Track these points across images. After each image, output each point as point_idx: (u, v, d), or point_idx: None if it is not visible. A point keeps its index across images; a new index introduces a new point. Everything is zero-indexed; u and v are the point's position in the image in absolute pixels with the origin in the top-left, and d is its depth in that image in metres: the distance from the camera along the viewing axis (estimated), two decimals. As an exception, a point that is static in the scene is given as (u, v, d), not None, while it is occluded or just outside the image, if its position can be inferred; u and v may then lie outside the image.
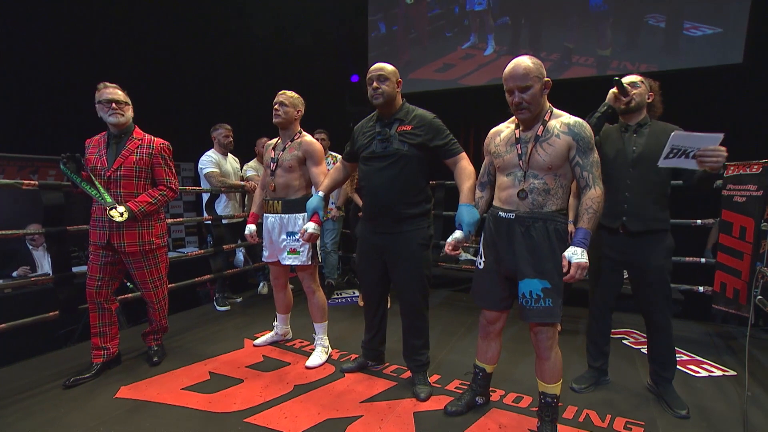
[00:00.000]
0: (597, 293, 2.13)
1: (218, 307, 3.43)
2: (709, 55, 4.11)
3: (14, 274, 3.77)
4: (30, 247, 4.03)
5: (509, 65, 1.60)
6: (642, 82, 1.97)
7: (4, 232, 2.35)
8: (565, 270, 1.53)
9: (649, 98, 1.98)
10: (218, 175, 3.40)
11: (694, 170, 1.74)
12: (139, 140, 2.21)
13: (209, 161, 3.40)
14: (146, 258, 2.26)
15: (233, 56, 5.68)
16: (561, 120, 1.61)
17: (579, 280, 1.54)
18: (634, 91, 1.94)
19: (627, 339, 2.85)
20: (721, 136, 1.59)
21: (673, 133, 1.65)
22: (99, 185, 2.09)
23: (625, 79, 1.96)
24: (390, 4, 5.75)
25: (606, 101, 1.97)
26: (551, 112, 1.65)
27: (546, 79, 1.59)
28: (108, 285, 2.24)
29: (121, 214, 2.04)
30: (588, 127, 1.61)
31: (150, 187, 2.25)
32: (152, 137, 2.27)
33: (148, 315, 2.45)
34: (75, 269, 2.62)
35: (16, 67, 4.52)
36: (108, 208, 2.03)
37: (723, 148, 1.60)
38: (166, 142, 2.30)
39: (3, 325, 2.22)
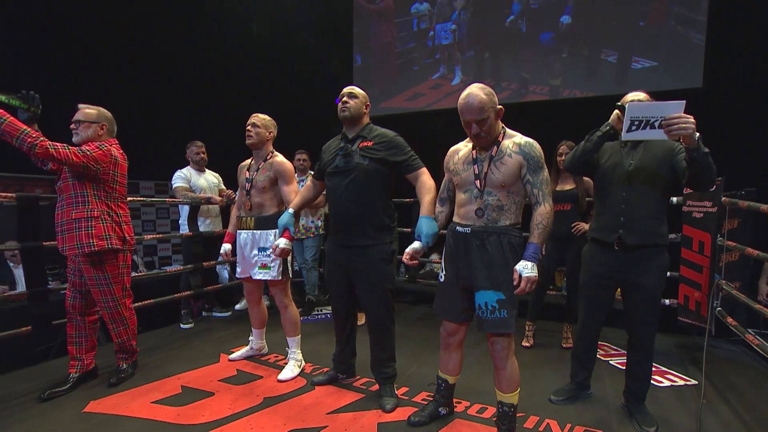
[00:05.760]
0: (587, 311, 2.10)
1: (182, 325, 3.42)
2: (651, 84, 4.39)
3: (-8, 292, 3.78)
4: (11, 264, 4.03)
5: (464, 97, 1.64)
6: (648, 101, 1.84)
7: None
8: (515, 283, 1.61)
9: None
10: (183, 189, 3.48)
11: (684, 163, 1.70)
12: None
13: (178, 177, 3.54)
14: (95, 269, 2.17)
15: (222, 77, 5.82)
16: (513, 140, 1.71)
17: (529, 292, 1.62)
18: None
19: (598, 351, 2.89)
20: (683, 102, 1.55)
21: (628, 104, 1.63)
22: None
23: (630, 97, 1.89)
24: (365, 38, 6.15)
25: (609, 122, 1.89)
26: (504, 132, 1.75)
27: (499, 107, 1.67)
28: (82, 298, 2.27)
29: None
30: (537, 146, 1.69)
31: (79, 184, 2.13)
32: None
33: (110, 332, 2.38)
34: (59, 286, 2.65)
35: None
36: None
37: (688, 116, 1.55)
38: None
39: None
